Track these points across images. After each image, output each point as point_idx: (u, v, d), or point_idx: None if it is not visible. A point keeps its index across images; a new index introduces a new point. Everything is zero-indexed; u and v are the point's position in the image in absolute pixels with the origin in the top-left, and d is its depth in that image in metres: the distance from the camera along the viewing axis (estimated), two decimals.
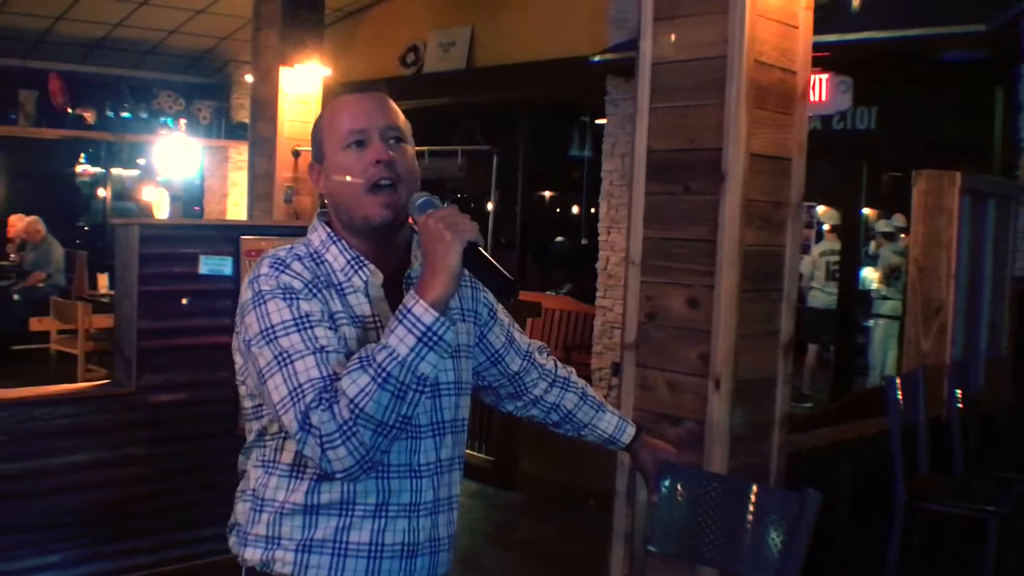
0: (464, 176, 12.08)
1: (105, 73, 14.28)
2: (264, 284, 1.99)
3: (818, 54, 4.00)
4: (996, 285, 6.70)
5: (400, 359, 1.83)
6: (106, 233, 15.07)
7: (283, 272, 2.00)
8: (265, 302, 1.97)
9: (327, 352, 1.91)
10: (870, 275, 11.12)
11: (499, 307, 2.41)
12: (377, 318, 2.06)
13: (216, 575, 4.61)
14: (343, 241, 2.11)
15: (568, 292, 12.51)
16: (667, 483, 2.71)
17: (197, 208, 15.89)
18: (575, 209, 16.18)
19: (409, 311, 1.86)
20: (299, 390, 1.86)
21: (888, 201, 12.50)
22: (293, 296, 1.97)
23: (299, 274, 2.01)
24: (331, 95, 8.32)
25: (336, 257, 2.09)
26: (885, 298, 10.82)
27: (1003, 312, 6.83)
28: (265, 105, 8.95)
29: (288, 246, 2.10)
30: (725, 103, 3.62)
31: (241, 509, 2.15)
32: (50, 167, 16.43)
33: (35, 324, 11.10)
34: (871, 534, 5.01)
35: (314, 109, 8.55)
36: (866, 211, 11.69)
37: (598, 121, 10.51)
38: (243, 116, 14.33)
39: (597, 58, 9.22)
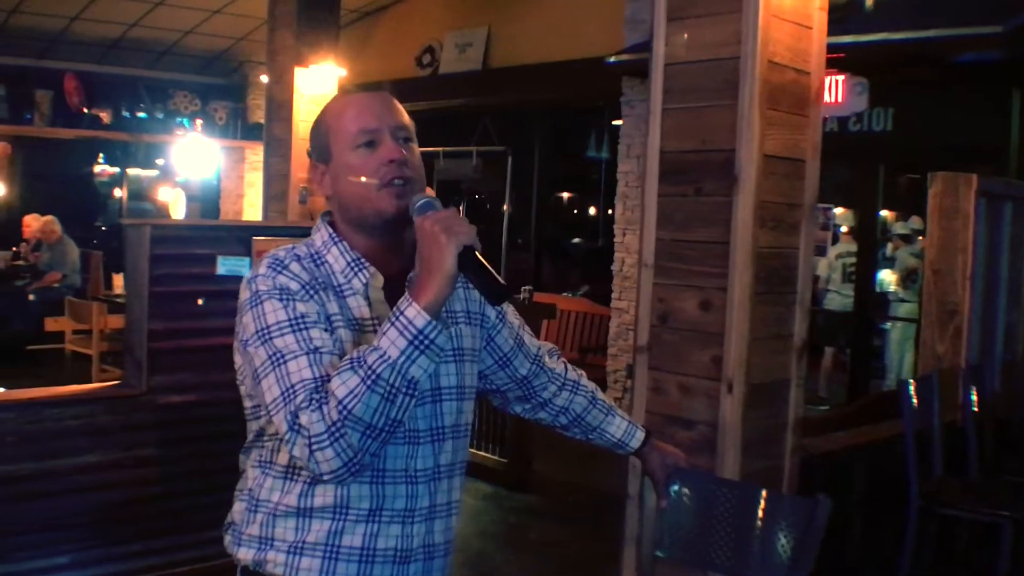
0: (479, 177, 12.05)
1: (121, 73, 14.30)
2: (261, 284, 1.98)
3: (834, 55, 3.98)
4: (1012, 288, 6.65)
5: (391, 362, 1.81)
6: (122, 233, 15.03)
7: (280, 273, 1.99)
8: (262, 302, 1.96)
9: (321, 353, 1.90)
10: (887, 277, 11.07)
11: (509, 309, 2.38)
12: (376, 321, 2.03)
13: None
14: (345, 242, 2.09)
15: (585, 294, 12.47)
16: (676, 488, 2.68)
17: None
18: (592, 211, 16.14)
19: (402, 313, 1.84)
20: (291, 390, 1.86)
21: (906, 203, 12.42)
22: (289, 297, 1.96)
23: (296, 275, 2.00)
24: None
25: (337, 259, 2.07)
26: (902, 300, 10.76)
27: (1019, 315, 6.78)
28: (280, 106, 8.96)
29: (289, 246, 2.09)
30: (738, 104, 3.59)
31: (237, 508, 2.14)
32: (68, 167, 16.47)
33: (50, 324, 11.12)
34: (885, 538, 4.98)
35: None
36: (884, 213, 11.65)
37: (614, 123, 10.47)
38: (259, 117, 14.34)
39: (613, 59, 9.19)
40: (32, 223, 12.73)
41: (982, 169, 6.28)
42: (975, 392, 5.53)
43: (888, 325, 10.87)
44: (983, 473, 5.35)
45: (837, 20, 3.99)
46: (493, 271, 1.92)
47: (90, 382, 8.78)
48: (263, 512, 2.05)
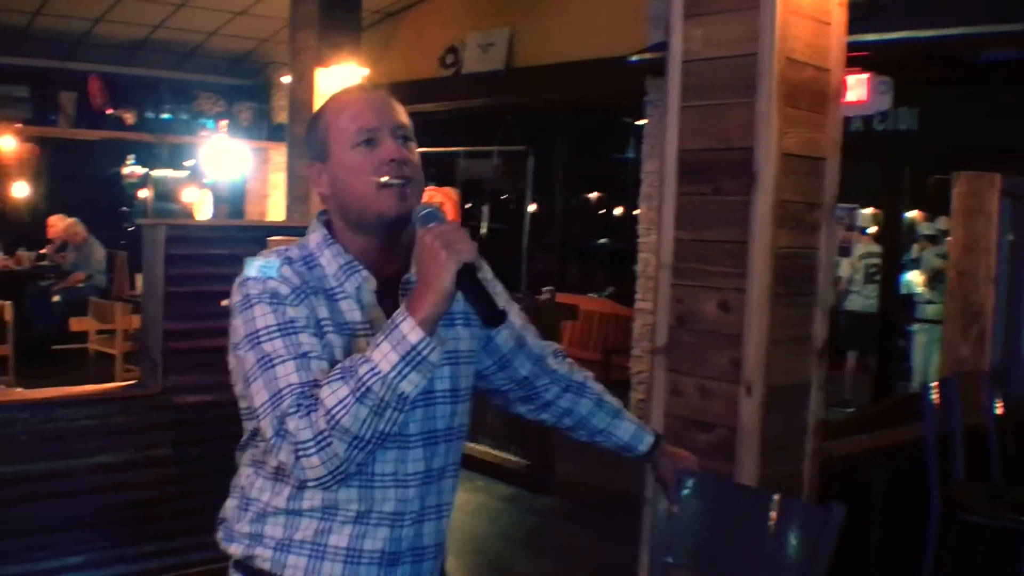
0: (500, 177, 12.02)
1: (145, 75, 14.32)
2: (251, 288, 1.97)
3: (858, 53, 3.92)
4: None
5: (381, 376, 1.79)
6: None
7: (270, 277, 1.97)
8: (251, 306, 1.95)
9: (309, 358, 1.89)
10: (914, 279, 10.97)
11: (512, 308, 2.34)
12: (368, 325, 2.01)
13: None
14: (338, 244, 2.07)
15: (611, 295, 12.44)
16: (687, 493, 2.63)
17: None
18: (618, 211, 16.11)
19: (396, 326, 1.82)
20: (278, 395, 1.85)
21: (932, 203, 12.32)
22: (279, 301, 1.95)
23: (287, 279, 1.98)
24: None
25: (330, 261, 2.05)
26: (929, 302, 10.66)
27: None
28: (302, 107, 8.93)
29: (281, 248, 2.08)
30: (756, 101, 3.55)
31: (230, 505, 2.14)
32: (94, 168, 16.54)
33: (75, 324, 11.13)
34: (905, 544, 4.90)
35: None
36: (912, 214, 11.55)
37: (638, 122, 10.42)
38: (284, 118, 14.28)
39: (635, 58, 9.12)
40: (57, 224, 12.79)
41: (1010, 169, 6.18)
42: (998, 395, 5.44)
43: (914, 327, 10.77)
44: (1006, 478, 5.26)
45: (860, 18, 3.92)
46: (490, 294, 1.90)
47: (113, 382, 8.81)
48: (253, 510, 2.05)
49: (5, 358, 9.17)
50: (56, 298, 12.01)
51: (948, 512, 4.77)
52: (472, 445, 7.68)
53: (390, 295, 2.03)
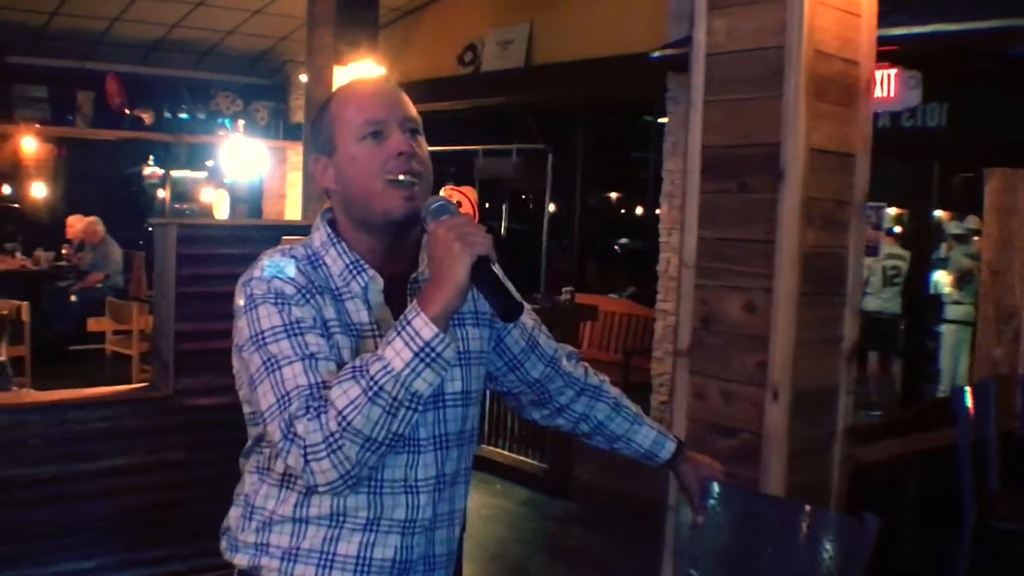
0: (519, 175, 11.95)
1: (163, 74, 14.34)
2: (256, 288, 1.90)
3: (886, 48, 3.79)
4: None
5: (394, 373, 1.71)
6: None
7: (275, 276, 1.90)
8: (256, 307, 1.88)
9: (316, 359, 1.81)
10: (941, 279, 10.83)
11: (524, 308, 2.24)
12: (375, 326, 1.93)
13: None
14: (343, 243, 1.99)
15: (631, 295, 12.34)
16: (712, 502, 2.51)
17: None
18: (638, 210, 16.01)
19: (409, 323, 1.74)
20: (286, 397, 1.77)
21: (960, 202, 12.17)
22: (284, 301, 1.87)
23: (292, 278, 1.90)
24: None
25: (335, 260, 1.97)
26: (957, 302, 10.53)
27: None
28: (319, 105, 8.87)
29: (286, 247, 2.00)
30: (783, 95, 3.42)
31: (234, 514, 2.06)
32: (113, 168, 16.54)
33: (92, 325, 11.11)
34: (937, 554, 4.78)
35: None
36: (939, 213, 11.41)
37: (659, 120, 10.33)
38: (301, 117, 14.31)
39: (657, 54, 9.03)
40: (75, 224, 12.78)
41: None
42: None
43: (942, 328, 10.64)
44: None
45: (889, 12, 3.80)
46: (508, 286, 1.81)
47: (129, 382, 8.76)
48: (258, 519, 1.97)
49: (22, 359, 9.10)
50: (73, 298, 11.97)
51: (982, 520, 4.66)
52: (489, 448, 7.62)
53: (398, 295, 1.96)
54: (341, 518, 1.91)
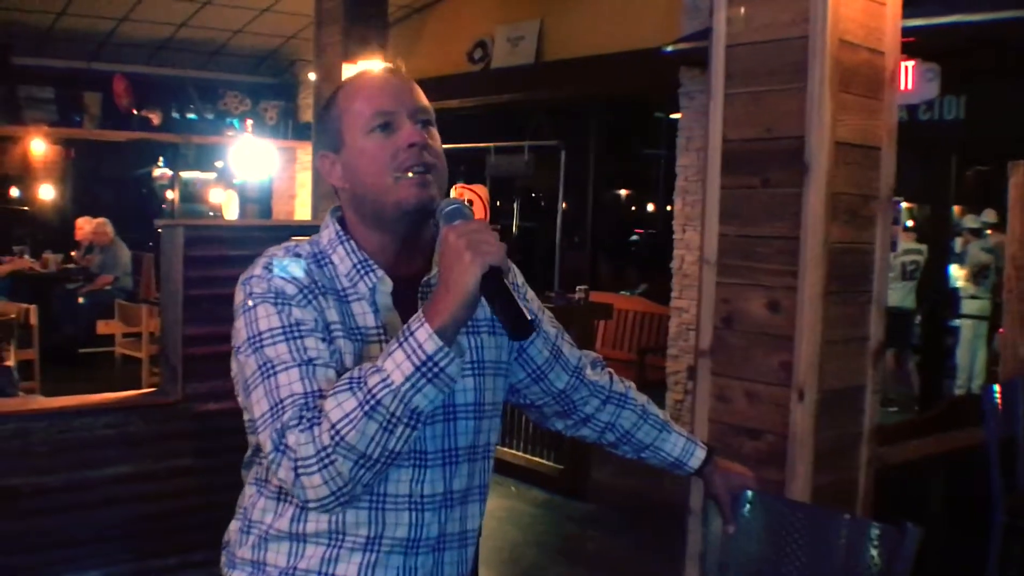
0: (531, 173, 11.86)
1: (171, 74, 14.29)
2: (256, 287, 1.79)
3: (904, 39, 3.69)
4: None
5: (393, 388, 1.59)
6: None
7: (277, 275, 1.79)
8: (255, 307, 1.77)
9: (315, 365, 1.70)
10: (956, 273, 10.73)
11: (545, 315, 2.14)
12: (382, 330, 1.81)
13: None
14: (352, 241, 1.88)
15: (644, 292, 12.25)
16: (744, 511, 2.40)
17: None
18: (650, 207, 15.94)
19: (412, 334, 1.62)
20: (279, 406, 1.66)
21: (976, 196, 12.07)
22: (285, 302, 1.76)
23: (295, 277, 1.79)
24: None
25: (343, 259, 1.86)
26: (973, 297, 10.44)
27: None
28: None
29: (290, 244, 1.89)
30: (807, 87, 3.32)
31: (233, 527, 1.97)
32: (122, 169, 16.49)
33: (102, 327, 11.05)
34: (966, 557, 4.68)
35: None
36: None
37: (672, 116, 10.24)
38: (310, 116, 14.28)
39: (670, 48, 8.92)
40: (84, 225, 12.71)
41: None
42: None
43: (958, 323, 10.53)
44: None
45: (907, 2, 3.70)
46: (519, 301, 1.67)
47: (139, 386, 8.69)
48: (255, 534, 1.87)
49: (31, 363, 9.03)
50: (81, 300, 11.92)
51: (1012, 522, 4.57)
52: (504, 449, 7.55)
53: (408, 298, 1.84)
54: (340, 536, 1.80)
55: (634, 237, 15.74)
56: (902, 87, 6.78)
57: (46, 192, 14.90)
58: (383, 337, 1.80)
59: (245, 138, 14.50)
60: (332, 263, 1.86)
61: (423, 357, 1.60)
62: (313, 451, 1.60)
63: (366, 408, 1.59)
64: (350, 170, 1.86)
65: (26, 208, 14.98)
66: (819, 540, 2.40)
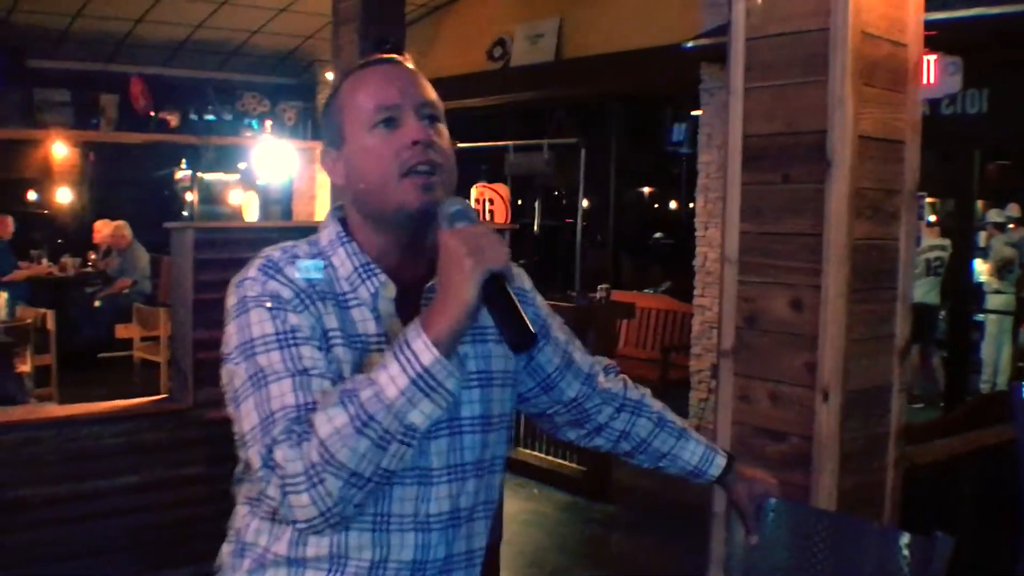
0: (551, 171, 11.77)
1: (188, 75, 14.25)
2: (249, 290, 1.68)
3: (926, 33, 3.60)
4: None
5: (387, 402, 1.49)
6: None
7: (272, 277, 1.68)
8: (248, 311, 1.66)
9: (310, 376, 1.59)
10: (980, 268, 10.60)
11: (555, 322, 2.03)
12: (384, 338, 1.70)
13: None
14: (354, 243, 1.77)
15: (667, 290, 12.16)
16: (768, 519, 2.31)
17: None
18: (673, 204, 15.83)
19: (407, 345, 1.52)
20: (270, 419, 1.55)
21: (998, 190, 11.93)
22: (280, 306, 1.65)
23: (291, 280, 1.68)
24: None
25: (343, 262, 1.76)
26: (997, 292, 10.30)
27: None
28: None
29: (288, 245, 1.77)
30: (829, 80, 3.22)
31: (226, 550, 1.84)
32: (141, 172, 16.43)
33: (120, 331, 11.01)
34: (997, 558, 4.55)
35: None
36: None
37: (694, 112, 10.15)
38: None
39: (691, 43, 8.83)
40: (103, 229, 12.69)
41: None
42: None
43: (982, 318, 10.40)
44: None
45: None
46: (521, 312, 1.57)
47: (158, 390, 8.64)
48: (250, 557, 1.75)
49: (48, 368, 8.98)
50: (98, 304, 11.89)
51: None
52: (525, 451, 7.49)
53: (411, 304, 1.73)
54: (343, 560, 1.68)
55: (656, 235, 15.63)
56: (925, 81, 6.67)
57: (64, 196, 14.86)
58: (384, 345, 1.69)
59: (264, 139, 14.45)
60: (332, 265, 1.76)
61: (419, 369, 1.50)
62: (301, 468, 1.50)
63: (357, 424, 1.49)
64: (351, 168, 1.76)
65: (45, 212, 14.96)
66: (847, 549, 2.30)
